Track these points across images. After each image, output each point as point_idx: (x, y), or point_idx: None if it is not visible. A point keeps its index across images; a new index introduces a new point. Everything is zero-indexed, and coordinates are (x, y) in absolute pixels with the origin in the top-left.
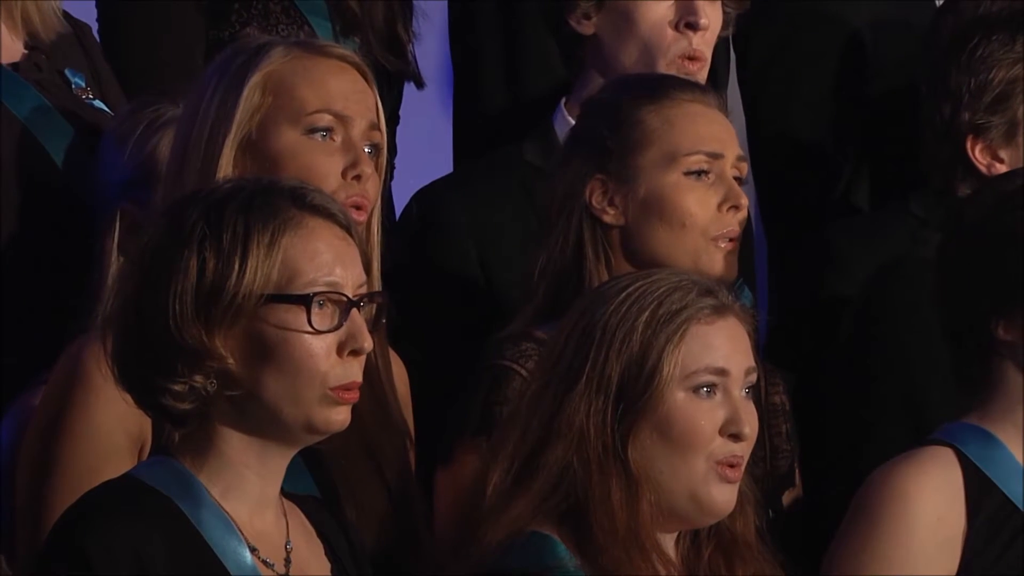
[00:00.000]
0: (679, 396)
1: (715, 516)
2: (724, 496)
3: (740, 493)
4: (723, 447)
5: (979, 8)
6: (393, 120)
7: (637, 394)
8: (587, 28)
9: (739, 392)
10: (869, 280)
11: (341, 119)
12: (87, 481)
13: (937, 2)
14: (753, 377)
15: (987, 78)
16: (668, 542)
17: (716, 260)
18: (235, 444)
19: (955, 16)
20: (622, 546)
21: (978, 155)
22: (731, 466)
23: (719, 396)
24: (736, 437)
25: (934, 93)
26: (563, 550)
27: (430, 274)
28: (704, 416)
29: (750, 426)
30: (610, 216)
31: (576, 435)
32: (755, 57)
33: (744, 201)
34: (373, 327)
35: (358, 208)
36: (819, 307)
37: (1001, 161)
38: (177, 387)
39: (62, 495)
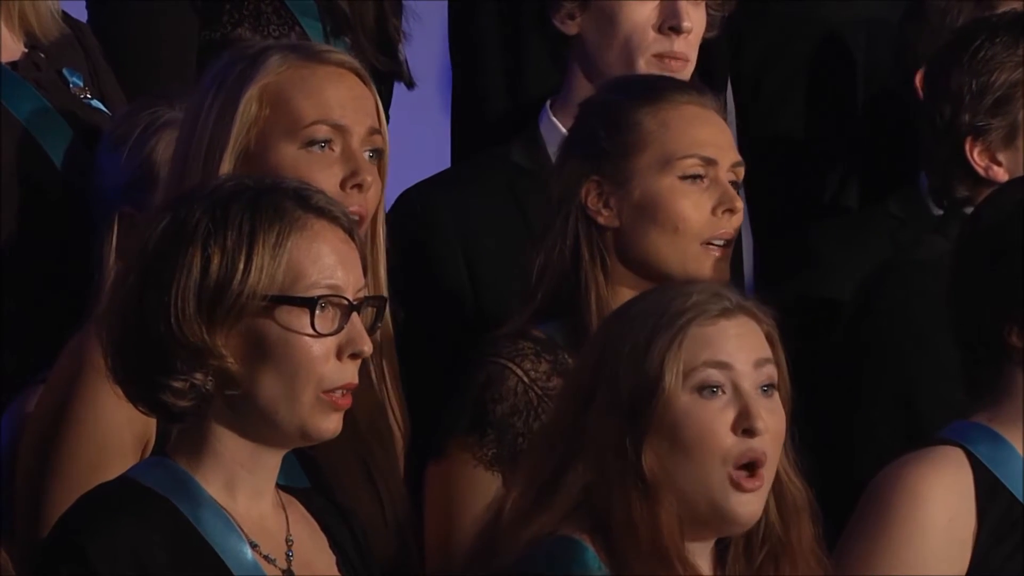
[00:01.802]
0: (684, 399)
1: (739, 526)
2: (744, 506)
3: (794, 499)
4: (738, 445)
5: (946, 18)
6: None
7: (645, 403)
8: (571, 28)
9: (750, 386)
10: (862, 281)
11: (339, 129)
12: (91, 476)
13: None
14: (769, 372)
15: (989, 80)
16: (701, 552)
17: (706, 265)
18: (228, 443)
19: (921, 25)
20: (645, 561)
21: (976, 157)
22: (749, 473)
23: (727, 394)
24: (749, 432)
25: (934, 93)
26: (592, 556)
27: (416, 274)
28: (712, 416)
29: (764, 420)
30: (604, 218)
31: (595, 453)
32: (747, 61)
33: (739, 205)
34: (371, 331)
35: (359, 217)
36: (801, 309)
37: (999, 164)
38: (177, 384)
39: (65, 490)
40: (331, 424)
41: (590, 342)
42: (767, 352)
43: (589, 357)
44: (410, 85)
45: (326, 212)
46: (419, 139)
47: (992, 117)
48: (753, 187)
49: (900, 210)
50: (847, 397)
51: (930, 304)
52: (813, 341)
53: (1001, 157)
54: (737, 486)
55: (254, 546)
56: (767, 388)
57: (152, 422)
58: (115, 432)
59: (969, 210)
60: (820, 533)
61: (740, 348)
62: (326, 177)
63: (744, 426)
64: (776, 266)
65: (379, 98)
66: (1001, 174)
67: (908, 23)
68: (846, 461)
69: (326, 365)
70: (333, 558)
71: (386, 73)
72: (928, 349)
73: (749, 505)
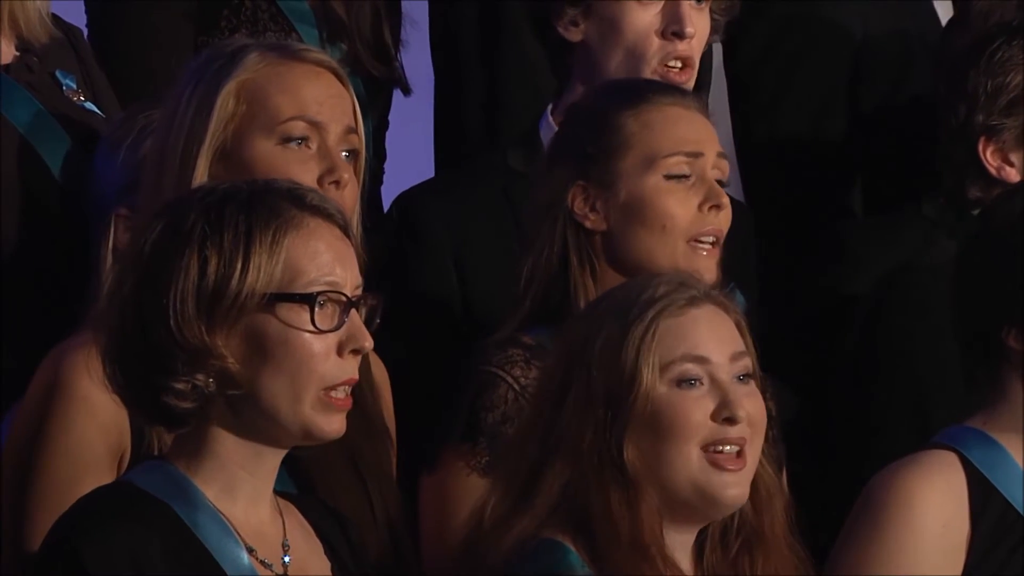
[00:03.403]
0: (662, 391)
1: (724, 507)
2: (728, 488)
3: (767, 488)
4: (716, 431)
5: (988, 20)
6: (382, 126)
7: (622, 399)
8: (574, 35)
9: (727, 377)
10: (877, 285)
11: (315, 126)
12: (67, 492)
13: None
14: (745, 363)
15: (1004, 81)
16: (683, 544)
17: (696, 264)
18: (229, 445)
19: (965, 30)
20: (626, 553)
21: (989, 157)
22: (732, 453)
23: (705, 385)
24: (730, 420)
25: (951, 94)
26: (575, 558)
27: (406, 277)
28: (691, 405)
29: (746, 409)
30: (592, 222)
31: (572, 450)
32: (745, 58)
33: (725, 200)
34: (370, 328)
35: None
36: (829, 306)
37: (1011, 165)
38: (180, 386)
39: (43, 507)
40: (334, 424)
41: (559, 341)
42: (741, 344)
43: (560, 356)
44: (407, 92)
45: (321, 210)
46: (415, 144)
47: (1005, 117)
48: (750, 187)
49: (934, 213)
50: (860, 399)
51: (942, 308)
52: (835, 339)
53: (1014, 157)
54: (718, 465)
55: (251, 551)
56: (744, 377)
57: (126, 433)
58: (88, 447)
59: (979, 213)
60: (793, 523)
61: (715, 340)
62: (302, 173)
63: (725, 415)
64: (792, 264)
65: (377, 105)
66: (1013, 175)
67: (952, 29)
68: (858, 462)
69: (327, 361)
70: (329, 564)
71: (383, 80)
72: (939, 352)
73: (733, 487)
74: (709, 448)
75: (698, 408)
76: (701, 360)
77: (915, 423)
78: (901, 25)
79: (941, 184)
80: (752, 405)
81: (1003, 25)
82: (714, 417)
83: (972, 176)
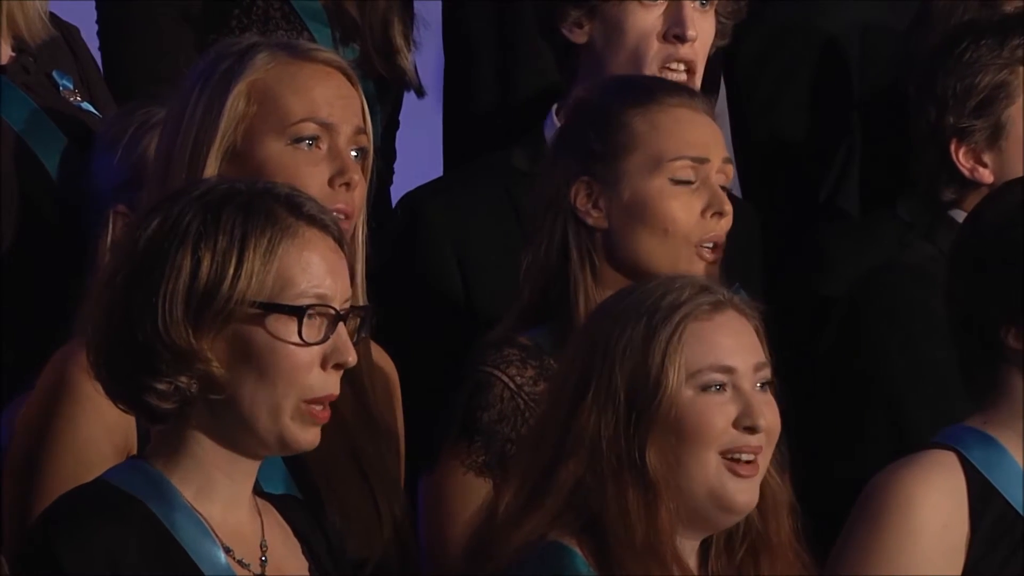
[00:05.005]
0: (687, 395)
1: (735, 513)
2: (741, 494)
3: (773, 494)
4: (737, 438)
5: (951, 21)
6: (392, 125)
7: (647, 401)
8: (579, 36)
9: (751, 386)
10: (853, 286)
11: (326, 127)
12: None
13: None
14: (766, 372)
15: (973, 82)
16: (690, 549)
17: (697, 268)
18: (207, 447)
19: (926, 31)
20: (640, 557)
21: (961, 159)
22: (746, 461)
23: (729, 392)
24: (751, 429)
25: (921, 97)
26: (581, 561)
27: (410, 277)
28: (714, 410)
29: (766, 418)
30: (594, 219)
31: (588, 450)
32: (743, 60)
33: (728, 207)
34: (355, 340)
35: (345, 216)
36: (807, 309)
37: (984, 165)
38: (161, 386)
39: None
40: (310, 436)
41: (576, 340)
42: (762, 354)
43: (577, 355)
44: (420, 95)
45: (317, 220)
46: (425, 144)
47: (976, 119)
48: (749, 188)
49: (908, 214)
50: (836, 398)
51: (916, 309)
52: (812, 341)
53: (986, 158)
54: (733, 472)
55: (228, 551)
56: (763, 385)
57: (132, 432)
58: (93, 446)
59: (954, 213)
60: (799, 528)
61: (740, 348)
62: (313, 174)
63: (746, 423)
64: (781, 267)
65: (387, 106)
66: (987, 175)
67: (913, 30)
68: (835, 461)
69: (310, 374)
70: (307, 564)
71: (394, 82)
72: (914, 353)
73: (745, 493)
74: (727, 455)
75: (721, 414)
76: (728, 370)
77: (890, 423)
78: (899, 26)
79: (914, 186)
80: (770, 415)
81: (969, 25)
82: (736, 424)
83: (945, 178)
